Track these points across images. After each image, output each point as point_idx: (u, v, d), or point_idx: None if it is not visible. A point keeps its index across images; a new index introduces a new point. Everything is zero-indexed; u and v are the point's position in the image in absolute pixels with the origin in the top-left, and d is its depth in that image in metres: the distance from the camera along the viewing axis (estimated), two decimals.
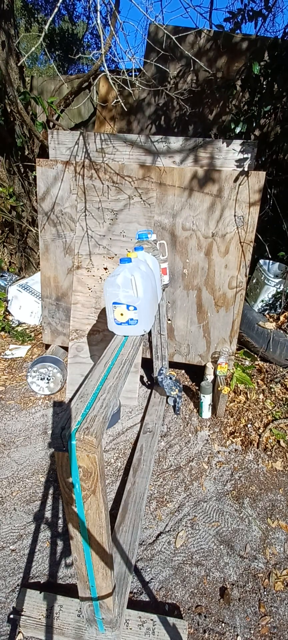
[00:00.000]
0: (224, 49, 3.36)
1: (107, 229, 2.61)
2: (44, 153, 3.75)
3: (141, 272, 1.53)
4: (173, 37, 2.16)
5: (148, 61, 3.15)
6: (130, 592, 1.49)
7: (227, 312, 2.60)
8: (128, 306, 1.49)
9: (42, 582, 1.54)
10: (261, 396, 2.59)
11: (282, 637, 1.38)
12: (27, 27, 8.05)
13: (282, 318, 2.82)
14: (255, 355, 2.83)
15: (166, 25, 3.23)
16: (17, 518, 1.80)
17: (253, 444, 2.24)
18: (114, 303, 1.51)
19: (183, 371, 3.04)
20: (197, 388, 2.72)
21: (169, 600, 1.49)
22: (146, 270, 1.62)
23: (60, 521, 1.78)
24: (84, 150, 2.56)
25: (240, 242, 2.43)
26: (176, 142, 2.43)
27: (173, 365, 2.92)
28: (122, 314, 1.51)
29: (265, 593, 1.51)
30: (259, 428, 2.35)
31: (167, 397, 2.57)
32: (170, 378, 2.56)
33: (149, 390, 2.77)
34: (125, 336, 1.54)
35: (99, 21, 1.78)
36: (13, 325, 3.53)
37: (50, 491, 1.94)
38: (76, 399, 1.01)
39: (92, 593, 1.17)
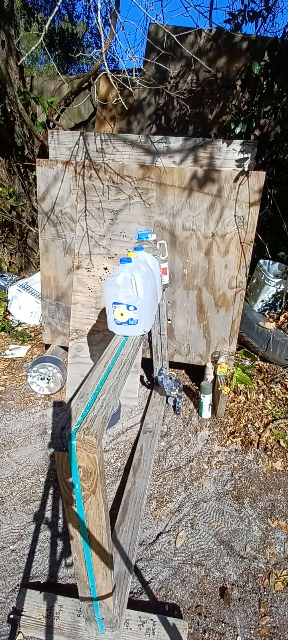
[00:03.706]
0: (224, 49, 3.36)
1: (107, 229, 2.61)
2: (44, 153, 3.75)
3: (141, 272, 1.53)
4: (173, 37, 2.16)
5: (149, 61, 3.15)
6: (130, 592, 1.49)
7: (227, 312, 2.60)
8: (128, 306, 1.49)
9: (42, 582, 1.54)
10: (261, 396, 2.59)
11: (282, 637, 1.38)
12: (26, 26, 8.04)
13: (282, 318, 2.82)
14: (255, 355, 2.83)
15: (166, 24, 3.23)
16: (17, 518, 1.80)
17: (253, 444, 2.24)
18: (114, 303, 1.50)
19: (183, 371, 3.04)
20: (197, 388, 2.72)
21: (169, 600, 1.49)
22: (146, 270, 1.62)
23: (60, 521, 1.78)
24: (84, 150, 2.56)
25: (240, 242, 2.43)
26: (176, 142, 2.43)
27: (173, 365, 2.92)
28: (122, 314, 1.51)
29: (265, 593, 1.51)
30: (259, 428, 2.35)
31: (167, 397, 2.57)
32: (170, 378, 2.56)
33: (149, 390, 2.77)
34: (125, 336, 1.54)
35: (99, 20, 1.78)
36: (13, 325, 3.53)
37: (50, 491, 1.94)
38: (76, 399, 1.01)
39: (92, 593, 1.17)
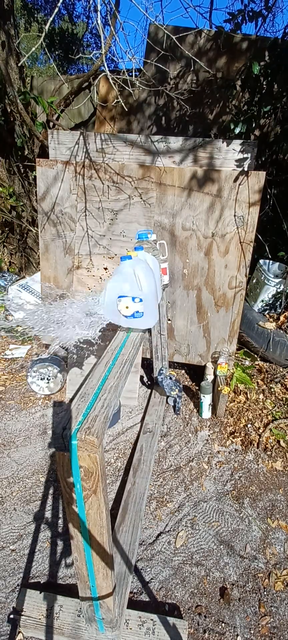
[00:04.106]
0: (224, 49, 3.36)
1: (107, 229, 2.61)
2: (44, 153, 3.75)
3: (143, 265, 1.53)
4: (173, 37, 2.16)
5: (149, 61, 3.15)
6: (130, 592, 1.49)
7: (227, 312, 2.60)
8: (133, 298, 1.48)
9: (42, 582, 1.54)
10: (261, 396, 2.59)
11: (282, 637, 1.38)
12: (26, 27, 8.03)
13: (282, 318, 2.82)
14: (255, 355, 2.83)
15: (166, 25, 3.23)
16: (17, 518, 1.80)
17: (253, 444, 2.24)
18: (119, 297, 1.50)
19: (183, 371, 3.04)
20: (197, 388, 2.72)
21: (169, 600, 1.49)
22: (147, 266, 1.62)
23: (60, 521, 1.78)
24: (84, 150, 2.56)
25: (240, 242, 2.43)
26: (176, 142, 2.43)
27: (173, 365, 2.92)
28: (127, 307, 1.50)
29: (265, 593, 1.51)
30: (259, 428, 2.35)
31: (167, 397, 2.57)
32: (170, 378, 2.56)
33: (149, 390, 2.77)
34: (126, 334, 1.53)
35: (99, 21, 1.78)
36: (13, 326, 3.52)
37: (50, 491, 1.94)
38: (77, 399, 1.01)
39: (92, 593, 1.17)
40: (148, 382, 2.88)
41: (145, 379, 2.93)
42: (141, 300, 1.49)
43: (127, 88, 2.37)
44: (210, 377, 2.57)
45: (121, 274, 1.51)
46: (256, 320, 2.78)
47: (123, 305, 1.50)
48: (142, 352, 2.73)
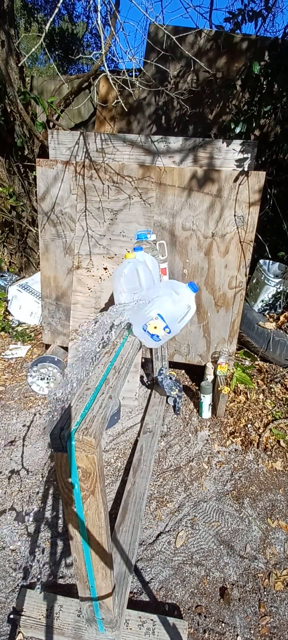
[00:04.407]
0: (224, 49, 3.36)
1: (107, 229, 2.61)
2: (44, 153, 3.75)
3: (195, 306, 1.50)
4: (173, 37, 2.16)
5: (149, 61, 3.15)
6: (130, 592, 1.49)
7: (227, 312, 2.60)
8: (165, 327, 1.41)
9: (42, 582, 1.54)
10: (261, 396, 2.59)
11: (282, 637, 1.38)
12: (26, 27, 8.03)
13: (282, 318, 2.81)
14: (255, 355, 2.83)
15: (166, 25, 3.23)
16: (17, 518, 1.80)
17: (253, 444, 2.24)
18: (158, 314, 1.41)
19: (183, 371, 3.04)
20: (197, 388, 2.72)
21: (169, 600, 1.49)
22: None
23: (60, 521, 1.78)
24: (84, 150, 2.56)
25: (240, 242, 2.43)
26: (176, 142, 2.43)
27: (173, 365, 2.92)
28: (155, 327, 1.41)
29: (265, 593, 1.51)
30: (259, 428, 2.35)
31: (167, 397, 2.57)
32: (170, 378, 2.56)
33: (149, 390, 2.77)
34: (126, 334, 1.53)
35: (99, 21, 1.78)
36: (13, 325, 3.53)
37: (50, 491, 1.95)
38: (75, 399, 1.01)
39: (91, 593, 1.17)
40: (148, 382, 2.88)
41: (145, 379, 2.93)
42: (170, 332, 1.41)
43: (127, 88, 2.36)
44: (210, 377, 2.57)
45: (179, 296, 1.44)
46: (256, 320, 2.78)
47: (152, 324, 1.39)
48: (142, 352, 2.73)
